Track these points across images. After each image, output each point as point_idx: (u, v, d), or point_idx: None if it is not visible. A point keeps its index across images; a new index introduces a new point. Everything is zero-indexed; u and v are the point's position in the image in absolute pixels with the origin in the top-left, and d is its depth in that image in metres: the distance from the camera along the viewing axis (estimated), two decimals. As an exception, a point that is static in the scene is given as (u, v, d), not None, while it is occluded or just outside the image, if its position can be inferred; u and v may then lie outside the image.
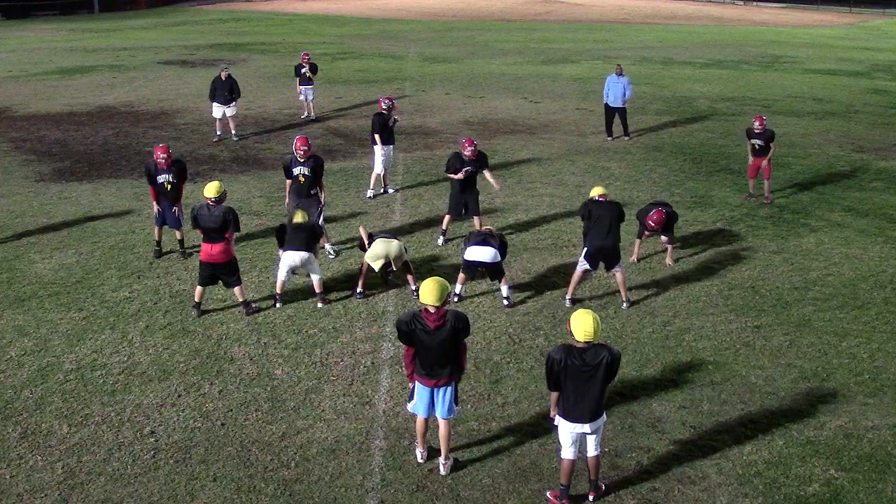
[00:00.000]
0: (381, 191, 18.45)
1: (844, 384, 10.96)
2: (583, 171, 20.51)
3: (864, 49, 48.55)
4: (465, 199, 15.26)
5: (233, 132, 23.34)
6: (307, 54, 26.53)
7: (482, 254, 12.98)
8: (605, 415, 8.56)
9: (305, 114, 26.23)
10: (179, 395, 10.48)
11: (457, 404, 9.08)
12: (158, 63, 37.89)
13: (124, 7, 69.94)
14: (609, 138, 24.04)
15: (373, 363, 11.31)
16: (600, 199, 13.05)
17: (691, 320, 12.68)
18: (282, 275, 13.03)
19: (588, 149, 22.82)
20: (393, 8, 72.17)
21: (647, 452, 9.45)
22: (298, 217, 13.30)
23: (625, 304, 13.05)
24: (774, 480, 9.02)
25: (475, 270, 13.37)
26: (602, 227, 12.77)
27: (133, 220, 16.56)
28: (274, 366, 11.21)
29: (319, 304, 13.00)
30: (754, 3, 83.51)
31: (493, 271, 13.24)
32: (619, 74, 23.93)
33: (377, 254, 13.13)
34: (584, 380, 8.20)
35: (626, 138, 24.07)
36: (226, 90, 22.87)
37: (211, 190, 12.45)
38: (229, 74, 23.31)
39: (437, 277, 8.90)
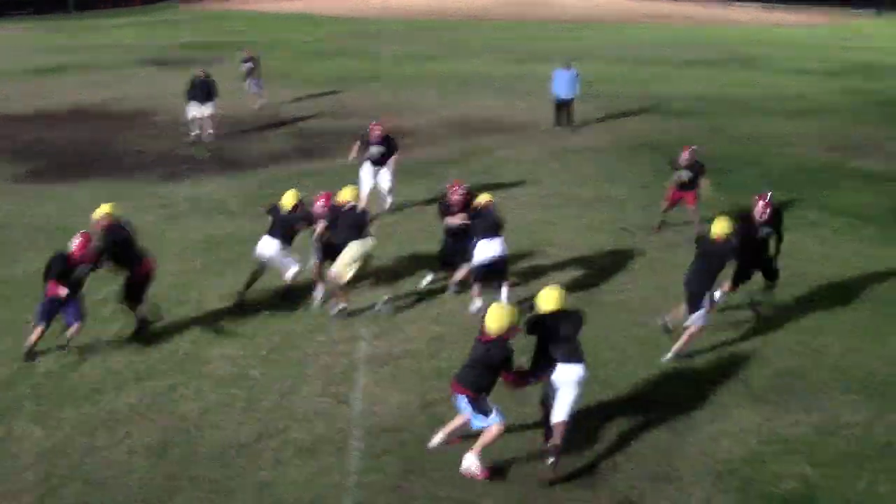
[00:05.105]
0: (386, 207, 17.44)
1: (818, 381, 11.04)
2: (559, 171, 20.55)
3: (837, 49, 48.86)
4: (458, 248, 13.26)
5: (210, 132, 23.24)
6: (247, 49, 28.34)
7: (497, 247, 12.36)
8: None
9: (257, 104, 27.20)
10: (155, 398, 10.43)
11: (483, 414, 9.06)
12: (136, 62, 37.66)
13: (100, 6, 69.39)
14: (557, 127, 25.18)
15: (350, 363, 11.29)
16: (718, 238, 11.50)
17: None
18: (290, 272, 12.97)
19: (564, 148, 22.88)
20: (370, 7, 72.06)
21: (623, 451, 9.49)
22: (291, 198, 12.91)
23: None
24: (750, 478, 9.08)
25: (487, 272, 12.50)
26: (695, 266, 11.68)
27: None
28: (250, 367, 11.17)
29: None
30: (730, 3, 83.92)
31: (502, 270, 12.63)
32: (567, 67, 25.18)
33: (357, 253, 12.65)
34: (559, 330, 9.09)
35: (570, 128, 25.12)
36: (203, 90, 22.79)
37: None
38: (207, 74, 23.23)
39: (507, 306, 9.29)
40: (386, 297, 13.06)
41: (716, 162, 19.43)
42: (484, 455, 8.96)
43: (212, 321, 12.44)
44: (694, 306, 11.40)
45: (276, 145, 22.88)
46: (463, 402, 8.99)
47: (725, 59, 42.01)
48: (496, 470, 9.04)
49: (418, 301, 13.18)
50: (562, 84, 25.06)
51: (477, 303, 12.60)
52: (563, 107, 25.28)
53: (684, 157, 16.15)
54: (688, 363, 11.41)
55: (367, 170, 17.24)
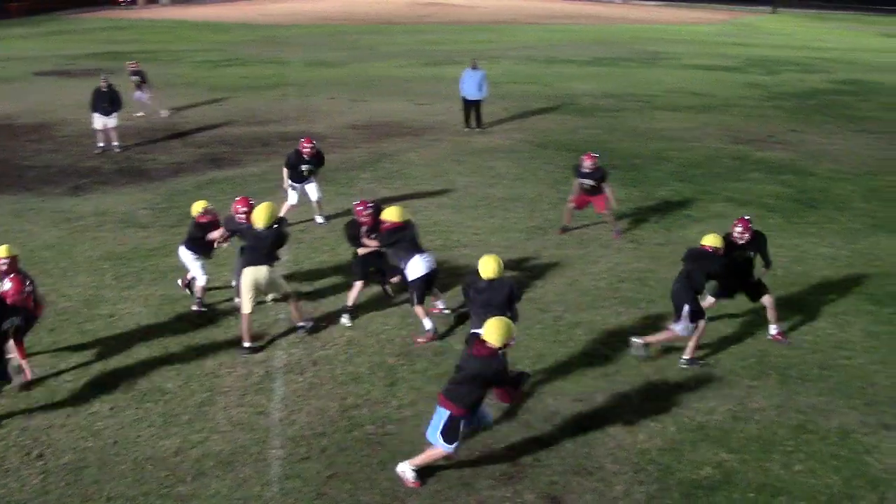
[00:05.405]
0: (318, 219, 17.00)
1: (731, 369, 11.30)
2: (470, 172, 20.66)
3: (738, 45, 50.09)
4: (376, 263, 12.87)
5: (115, 143, 22.79)
6: (134, 62, 28.40)
7: (428, 262, 12.06)
8: None
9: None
10: (68, 416, 10.17)
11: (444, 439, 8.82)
12: (35, 74, 36.70)
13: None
14: (467, 129, 25.41)
15: (266, 372, 11.18)
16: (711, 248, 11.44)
17: (582, 314, 12.87)
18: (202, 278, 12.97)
19: (474, 149, 23.00)
20: (276, 13, 71.48)
21: (543, 446, 9.58)
22: (197, 208, 12.84)
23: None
24: (668, 466, 9.24)
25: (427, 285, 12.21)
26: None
27: (13, 238, 15.97)
28: (165, 380, 10.97)
29: (194, 308, 12.91)
30: (633, 2, 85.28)
31: (433, 282, 12.34)
32: (474, 68, 25.38)
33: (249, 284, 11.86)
34: (488, 304, 9.60)
35: (479, 129, 25.36)
36: (107, 100, 22.33)
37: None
38: (110, 84, 22.77)
39: (503, 320, 8.76)
40: (389, 282, 13.14)
41: (624, 158, 19.72)
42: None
43: (124, 335, 12.19)
44: (677, 315, 11.33)
45: (185, 154, 22.52)
46: (441, 415, 8.74)
47: (630, 57, 42.73)
48: (423, 473, 9.04)
49: (333, 308, 13.10)
50: (470, 85, 25.19)
51: (427, 324, 12.06)
52: (471, 107, 25.45)
53: (586, 164, 15.89)
54: (602, 357, 11.57)
55: (295, 186, 16.73)
